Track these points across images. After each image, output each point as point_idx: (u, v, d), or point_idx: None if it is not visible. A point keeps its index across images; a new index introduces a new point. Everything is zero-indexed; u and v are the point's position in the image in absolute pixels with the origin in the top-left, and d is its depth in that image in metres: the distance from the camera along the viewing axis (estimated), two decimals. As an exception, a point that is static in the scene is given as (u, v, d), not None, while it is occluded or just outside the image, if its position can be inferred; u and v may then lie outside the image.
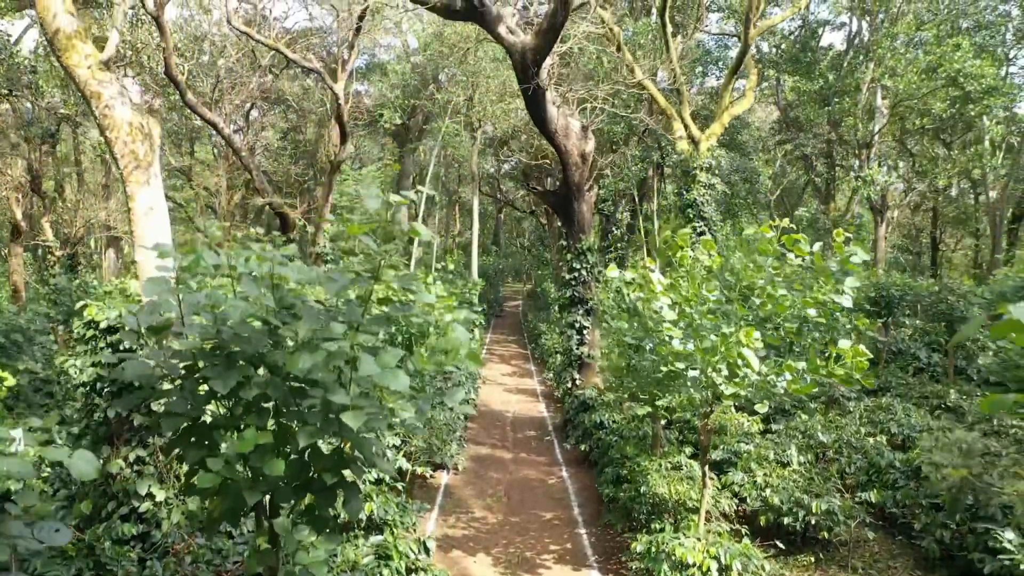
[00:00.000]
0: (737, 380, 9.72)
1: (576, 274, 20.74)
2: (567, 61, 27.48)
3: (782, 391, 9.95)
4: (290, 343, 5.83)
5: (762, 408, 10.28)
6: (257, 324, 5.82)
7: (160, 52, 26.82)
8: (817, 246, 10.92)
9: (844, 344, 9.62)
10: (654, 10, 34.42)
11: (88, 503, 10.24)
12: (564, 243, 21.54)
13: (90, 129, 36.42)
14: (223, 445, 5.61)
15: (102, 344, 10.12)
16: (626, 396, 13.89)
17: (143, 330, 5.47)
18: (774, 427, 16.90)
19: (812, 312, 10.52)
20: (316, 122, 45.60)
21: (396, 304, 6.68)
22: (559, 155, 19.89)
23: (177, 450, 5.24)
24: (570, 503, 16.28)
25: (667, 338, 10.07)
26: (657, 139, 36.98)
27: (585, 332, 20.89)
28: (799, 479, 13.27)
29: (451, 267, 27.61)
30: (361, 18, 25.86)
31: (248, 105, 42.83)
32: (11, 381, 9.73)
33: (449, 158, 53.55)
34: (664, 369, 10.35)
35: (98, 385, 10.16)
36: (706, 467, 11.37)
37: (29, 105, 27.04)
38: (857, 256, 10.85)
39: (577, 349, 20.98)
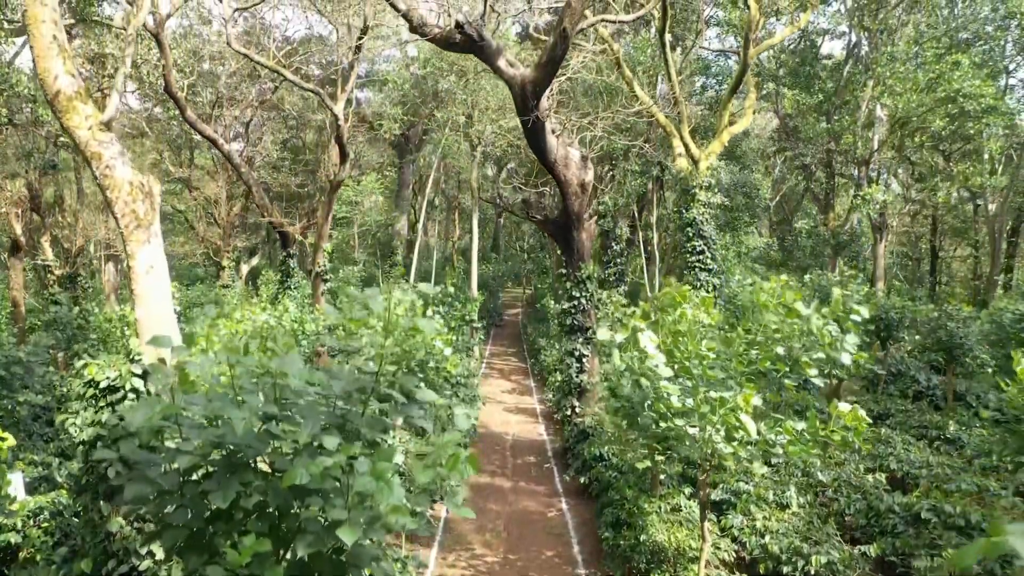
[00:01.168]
0: (735, 443, 9.75)
1: (576, 302, 20.75)
2: (565, 88, 27.46)
3: (781, 451, 9.97)
4: (289, 448, 5.86)
5: (759, 469, 10.29)
6: (257, 430, 5.86)
7: (160, 68, 26.87)
8: (813, 306, 10.94)
9: (844, 407, 9.64)
10: (652, 26, 34.37)
11: (88, 562, 10.27)
12: (564, 271, 21.53)
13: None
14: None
15: (102, 403, 10.13)
16: (626, 449, 13.89)
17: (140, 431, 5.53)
18: (773, 460, 16.93)
19: (812, 372, 10.53)
20: (316, 128, 45.61)
21: (398, 404, 6.70)
22: (558, 184, 19.89)
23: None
24: (570, 539, 16.31)
25: (665, 395, 10.09)
26: (657, 155, 37.02)
27: (584, 360, 20.92)
28: (799, 523, 13.31)
29: (450, 287, 27.56)
30: (360, 40, 25.88)
31: (249, 114, 42.82)
32: (12, 442, 9.72)
33: (449, 166, 53.54)
34: (663, 425, 10.37)
35: (98, 444, 10.17)
36: (705, 521, 11.39)
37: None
38: (857, 315, 10.88)
39: (577, 377, 21.01)
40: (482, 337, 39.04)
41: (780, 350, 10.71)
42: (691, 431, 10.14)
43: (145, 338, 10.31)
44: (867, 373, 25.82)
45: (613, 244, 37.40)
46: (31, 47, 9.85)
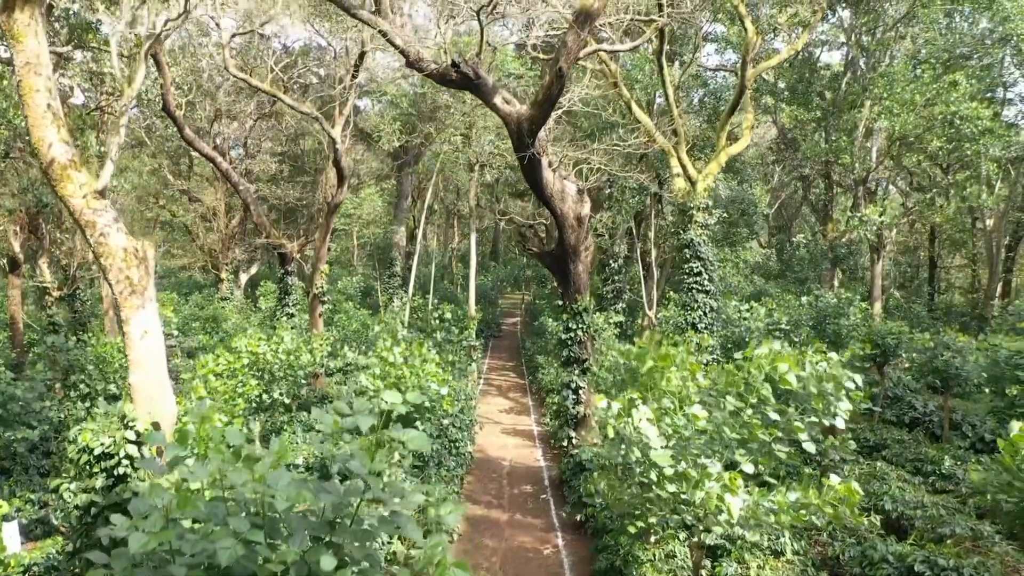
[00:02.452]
0: (723, 517, 9.78)
1: (572, 334, 20.79)
2: (561, 119, 27.47)
3: (772, 521, 10.00)
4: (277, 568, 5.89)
5: (753, 537, 10.32)
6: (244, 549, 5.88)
7: (158, 87, 26.83)
8: (808, 369, 10.97)
9: (835, 479, 9.67)
10: (649, 46, 34.35)
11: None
12: (561, 302, 21.57)
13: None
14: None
15: (96, 470, 10.16)
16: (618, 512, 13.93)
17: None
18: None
19: (803, 436, 10.56)
20: (315, 137, 45.51)
21: (387, 515, 6.69)
22: (555, 218, 19.92)
23: None
24: (566, 579, 16.35)
25: (656, 463, 10.11)
26: (656, 169, 37.02)
27: (581, 392, 20.95)
28: (793, 572, 13.35)
29: (447, 315, 27.59)
30: (356, 67, 25.89)
31: (248, 125, 42.83)
32: (6, 508, 9.73)
33: (448, 176, 53.55)
34: (655, 491, 10.40)
35: (92, 509, 10.21)
36: (701, 570, 11.42)
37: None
38: (851, 382, 10.90)
39: (573, 408, 21.05)
40: (479, 355, 39.04)
41: (773, 414, 10.74)
42: (683, 496, 10.18)
43: (140, 404, 10.34)
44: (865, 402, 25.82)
45: (611, 261, 37.43)
46: (25, 115, 9.87)
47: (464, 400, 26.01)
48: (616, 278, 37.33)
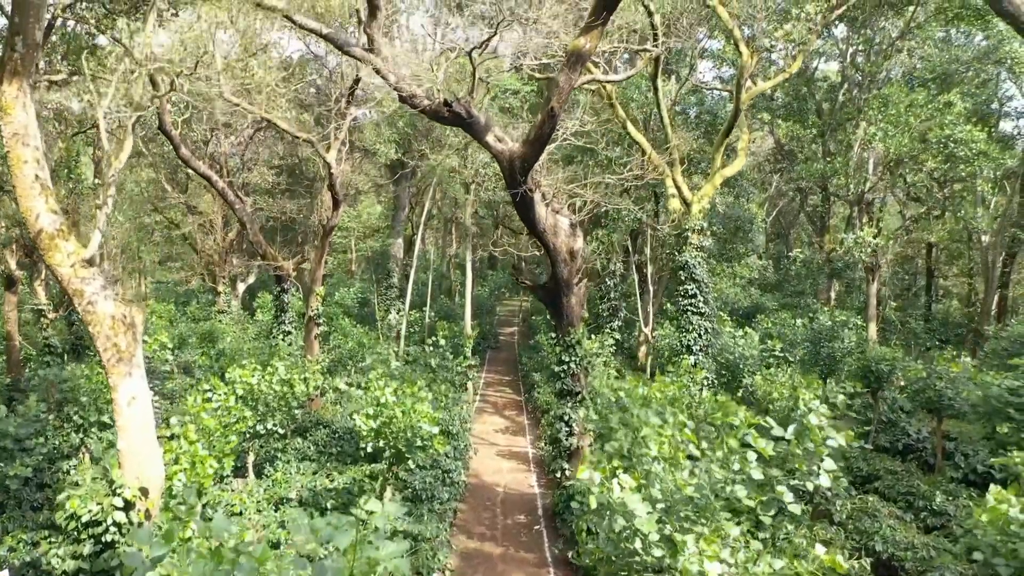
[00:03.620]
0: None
1: (565, 367, 20.84)
2: (554, 153, 27.51)
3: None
4: None
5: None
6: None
7: (155, 106, 26.82)
8: (791, 430, 11.02)
9: (821, 550, 9.72)
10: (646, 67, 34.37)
11: None
12: (554, 335, 21.60)
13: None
14: None
15: (84, 536, 10.20)
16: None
17: None
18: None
19: (788, 497, 10.61)
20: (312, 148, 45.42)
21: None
22: (547, 252, 19.95)
23: None
24: (556, 621, 16.39)
25: (641, 530, 10.16)
26: (652, 189, 37.10)
27: (574, 424, 21.01)
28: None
29: (442, 340, 27.62)
30: (351, 92, 25.92)
31: (246, 135, 42.78)
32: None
33: (446, 188, 53.54)
34: (640, 556, 10.44)
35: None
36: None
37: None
38: (833, 440, 10.95)
39: (566, 440, 21.11)
40: (476, 369, 39.11)
41: (756, 474, 10.78)
42: (667, 562, 10.23)
43: (128, 469, 10.38)
44: (857, 425, 25.94)
45: (607, 280, 37.49)
46: (13, 186, 9.91)
47: (459, 424, 26.07)
48: (611, 296, 37.38)
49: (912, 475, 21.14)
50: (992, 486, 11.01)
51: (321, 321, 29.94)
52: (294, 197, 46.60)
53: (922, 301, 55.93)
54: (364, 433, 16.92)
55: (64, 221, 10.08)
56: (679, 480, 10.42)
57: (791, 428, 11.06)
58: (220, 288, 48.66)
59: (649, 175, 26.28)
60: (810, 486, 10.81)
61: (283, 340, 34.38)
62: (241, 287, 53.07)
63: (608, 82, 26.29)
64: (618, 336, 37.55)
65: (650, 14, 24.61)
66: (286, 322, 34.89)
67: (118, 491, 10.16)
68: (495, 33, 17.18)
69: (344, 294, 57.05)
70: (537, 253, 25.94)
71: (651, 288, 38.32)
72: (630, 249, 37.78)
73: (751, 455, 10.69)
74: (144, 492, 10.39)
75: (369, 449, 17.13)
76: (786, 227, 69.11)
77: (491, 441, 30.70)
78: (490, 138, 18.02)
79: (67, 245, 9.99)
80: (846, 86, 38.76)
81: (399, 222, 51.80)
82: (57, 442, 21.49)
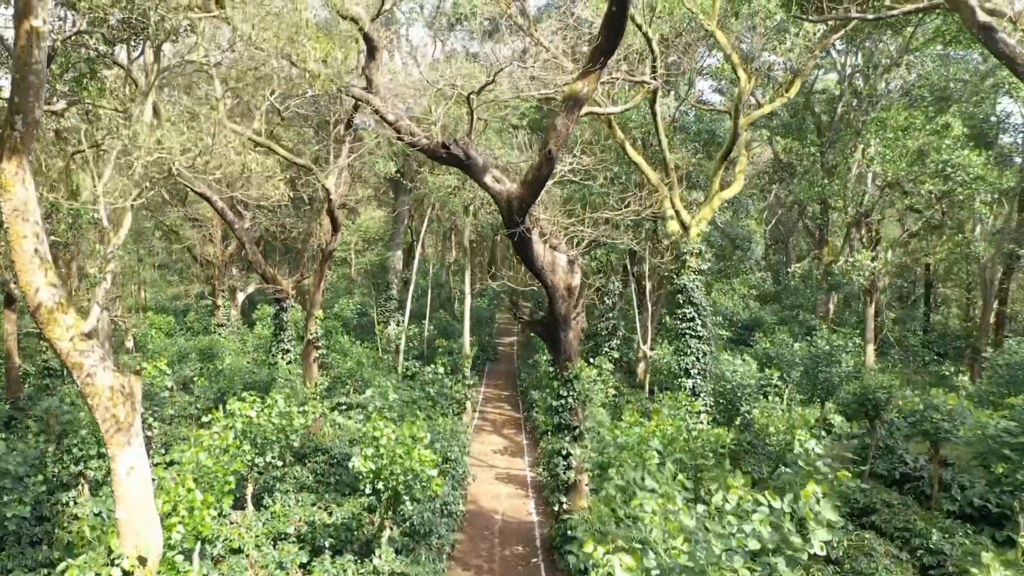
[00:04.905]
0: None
1: (563, 401, 20.91)
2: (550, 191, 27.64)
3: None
4: None
5: None
6: None
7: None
8: (788, 499, 11.07)
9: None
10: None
11: None
12: (552, 369, 21.68)
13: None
14: None
15: (84, 607, 10.28)
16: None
17: None
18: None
19: (782, 565, 10.67)
20: (312, 156, 45.38)
21: None
22: (545, 288, 20.01)
23: None
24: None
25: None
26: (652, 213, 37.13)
27: (572, 458, 21.09)
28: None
29: (441, 369, 27.67)
30: (350, 120, 25.97)
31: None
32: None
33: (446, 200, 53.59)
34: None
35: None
36: None
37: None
38: (824, 512, 11.00)
39: (564, 475, 21.18)
40: (474, 384, 39.20)
41: (752, 543, 10.84)
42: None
43: (127, 539, 10.46)
44: (854, 450, 26.03)
45: (605, 299, 37.56)
46: (13, 260, 9.97)
47: (458, 450, 26.14)
48: (610, 315, 37.46)
49: (909, 508, 21.22)
50: (983, 555, 11.07)
51: (320, 344, 30.02)
52: (296, 209, 46.58)
53: (920, 311, 56.11)
54: (363, 475, 16.99)
55: (63, 294, 10.14)
56: (674, 551, 10.49)
57: (787, 499, 11.11)
58: (219, 302, 48.73)
59: (646, 211, 26.32)
60: (804, 556, 10.86)
61: (282, 359, 34.50)
62: (240, 296, 53.08)
63: (606, 113, 26.35)
64: (617, 354, 37.65)
65: (651, 47, 24.70)
66: (285, 340, 34.98)
67: (116, 561, 10.24)
68: (492, 80, 17.21)
69: (344, 305, 57.20)
70: (535, 288, 26.01)
71: (649, 305, 38.39)
72: (628, 266, 37.84)
73: (747, 527, 10.76)
74: (142, 561, 10.46)
75: (368, 491, 17.19)
76: (785, 235, 69.21)
77: (489, 463, 30.78)
78: (488, 179, 18.08)
79: (66, 319, 10.06)
80: (845, 98, 38.90)
81: (398, 233, 51.86)
82: (57, 471, 21.64)
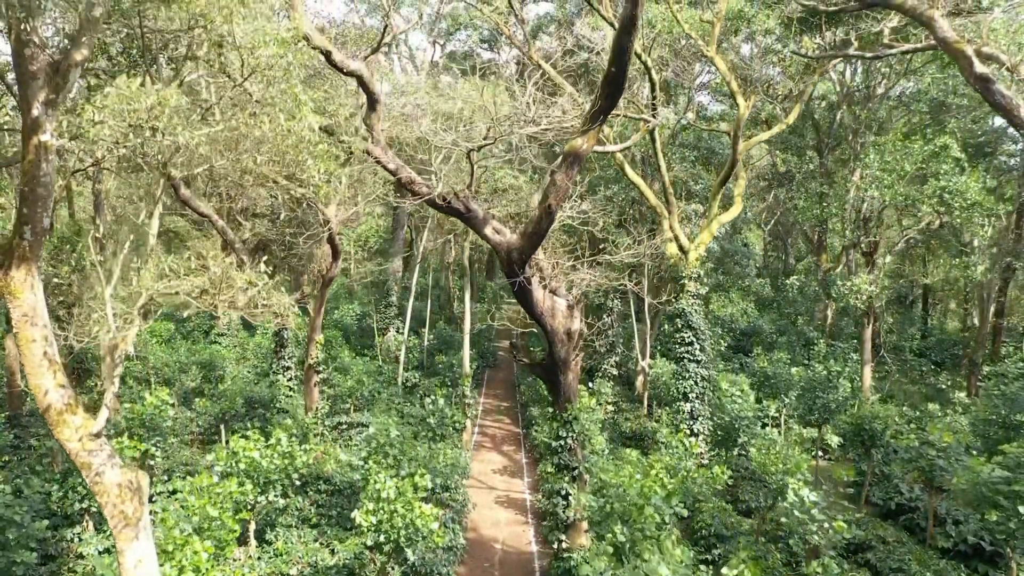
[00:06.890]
0: None
1: (562, 442, 21.16)
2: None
3: None
4: None
5: None
6: None
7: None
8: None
9: None
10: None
11: None
12: (551, 410, 21.92)
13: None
14: None
15: None
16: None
17: None
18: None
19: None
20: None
21: None
22: (544, 333, 20.21)
23: None
24: None
25: None
26: (651, 225, 37.26)
27: (570, 497, 21.35)
28: None
29: (441, 401, 27.87)
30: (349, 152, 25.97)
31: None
32: None
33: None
34: None
35: None
36: None
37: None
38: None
39: (563, 513, 21.45)
40: (474, 403, 39.44)
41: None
42: None
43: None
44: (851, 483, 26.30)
45: (604, 316, 37.75)
46: (22, 363, 10.14)
47: (458, 477, 26.35)
48: (609, 333, 37.66)
49: (903, 546, 21.50)
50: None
51: (321, 369, 30.22)
52: (297, 223, 46.62)
53: (917, 314, 56.35)
54: (365, 528, 17.21)
55: (71, 395, 10.31)
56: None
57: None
58: (220, 312, 48.80)
59: (643, 256, 26.50)
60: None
61: (283, 375, 34.78)
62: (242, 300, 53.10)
63: (606, 152, 26.44)
64: (615, 371, 37.90)
65: (650, 76, 24.74)
66: (285, 357, 35.25)
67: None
68: (493, 141, 17.32)
69: (344, 311, 57.34)
70: (535, 330, 26.19)
71: (648, 320, 38.59)
72: (626, 285, 37.99)
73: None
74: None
75: (369, 542, 17.42)
76: (784, 235, 69.32)
77: (489, 484, 31.03)
78: (488, 230, 18.23)
79: (75, 419, 10.24)
80: (843, 110, 38.96)
81: (398, 240, 51.99)
82: (61, 506, 21.91)
